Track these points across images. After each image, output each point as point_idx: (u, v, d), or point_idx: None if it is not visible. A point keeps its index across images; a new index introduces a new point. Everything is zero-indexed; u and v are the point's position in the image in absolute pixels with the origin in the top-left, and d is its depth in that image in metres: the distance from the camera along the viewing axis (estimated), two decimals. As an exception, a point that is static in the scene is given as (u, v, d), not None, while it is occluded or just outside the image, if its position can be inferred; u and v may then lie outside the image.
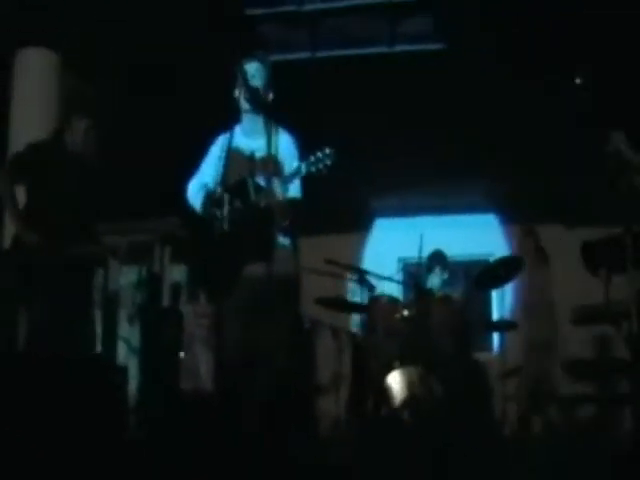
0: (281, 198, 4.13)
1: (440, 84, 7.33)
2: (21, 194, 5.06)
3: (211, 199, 4.32)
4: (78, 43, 6.66)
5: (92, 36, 6.59)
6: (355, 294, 6.86)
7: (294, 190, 4.27)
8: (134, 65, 7.00)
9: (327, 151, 3.99)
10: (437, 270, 6.91)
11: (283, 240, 4.32)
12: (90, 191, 5.17)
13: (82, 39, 6.64)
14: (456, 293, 6.92)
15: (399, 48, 7.27)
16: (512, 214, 9.74)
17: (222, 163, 4.39)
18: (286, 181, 4.14)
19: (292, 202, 4.25)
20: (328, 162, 3.98)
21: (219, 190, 4.31)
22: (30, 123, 6.48)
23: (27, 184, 5.04)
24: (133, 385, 7.22)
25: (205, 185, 4.43)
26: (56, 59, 6.90)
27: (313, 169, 4.00)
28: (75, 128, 5.10)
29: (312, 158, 4.02)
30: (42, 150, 5.15)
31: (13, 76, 6.93)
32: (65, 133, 5.15)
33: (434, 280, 6.91)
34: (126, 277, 8.30)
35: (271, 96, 4.47)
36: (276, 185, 4.13)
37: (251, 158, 4.28)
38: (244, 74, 4.35)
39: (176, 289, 8.31)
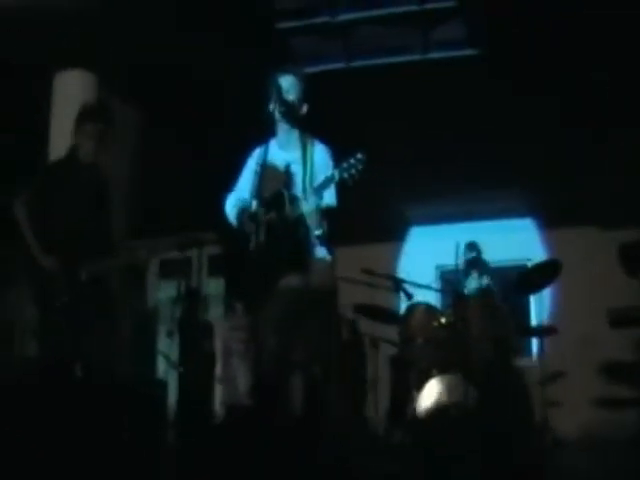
0: (315, 207, 4.12)
1: (474, 90, 7.31)
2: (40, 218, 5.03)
3: (246, 213, 4.33)
4: (115, 64, 6.75)
5: (128, 56, 6.67)
6: (393, 303, 6.88)
7: (329, 198, 4.25)
8: (171, 83, 7.07)
9: (359, 156, 3.98)
10: (475, 276, 6.90)
11: (319, 250, 4.32)
12: (106, 203, 5.18)
13: (118, 60, 6.73)
14: (494, 299, 6.91)
15: (433, 55, 7.26)
16: (548, 218, 9.71)
17: (257, 176, 4.41)
18: (320, 189, 4.12)
19: (327, 210, 4.25)
20: (360, 167, 3.96)
21: (254, 203, 4.34)
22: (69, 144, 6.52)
23: (43, 208, 5.01)
24: (173, 399, 7.29)
25: (242, 199, 4.45)
26: (94, 81, 6.99)
27: (346, 175, 3.99)
28: (85, 136, 5.07)
29: (344, 164, 4.01)
30: (55, 171, 5.18)
31: (52, 99, 7.03)
32: (78, 147, 5.12)
33: (472, 286, 6.90)
34: (165, 292, 8.40)
35: (305, 109, 4.50)
36: (310, 194, 4.13)
37: (286, 170, 4.33)
38: (278, 88, 4.37)
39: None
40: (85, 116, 5.12)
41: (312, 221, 4.17)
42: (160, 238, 5.06)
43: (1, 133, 7.56)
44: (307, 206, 4.11)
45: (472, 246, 7.39)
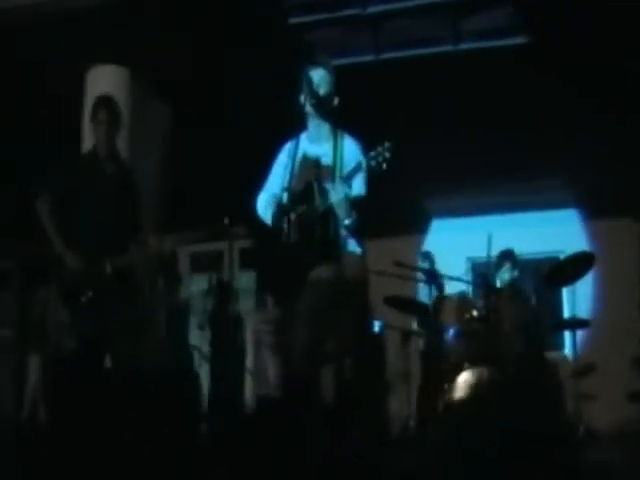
0: (344, 196, 4.08)
1: (507, 81, 7.26)
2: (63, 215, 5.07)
3: (281, 209, 4.33)
4: (146, 60, 6.79)
5: (158, 52, 6.70)
6: (424, 295, 6.86)
7: (358, 188, 4.23)
8: (203, 79, 7.10)
9: (386, 144, 3.98)
10: (506, 268, 6.86)
11: (350, 242, 4.31)
12: (129, 197, 5.18)
13: (149, 56, 6.76)
14: (526, 292, 6.87)
15: (464, 46, 7.20)
16: (582, 210, 9.64)
17: (289, 170, 4.42)
18: (348, 177, 4.11)
19: (356, 200, 4.21)
20: (388, 155, 3.96)
21: (286, 197, 4.35)
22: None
23: (65, 204, 5.05)
24: (205, 391, 7.33)
25: (274, 195, 4.46)
26: (127, 75, 7.03)
27: (373, 163, 3.99)
28: (96, 129, 5.10)
29: (372, 152, 4.01)
30: (77, 167, 5.19)
31: (85, 93, 7.06)
32: (95, 143, 5.17)
33: (504, 278, 6.86)
34: (197, 285, 8.45)
35: (336, 102, 4.49)
36: (339, 183, 4.11)
37: (317, 164, 4.32)
38: (309, 81, 4.36)
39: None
40: (93, 110, 5.17)
41: (341, 211, 4.13)
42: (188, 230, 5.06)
43: (34, 131, 7.67)
44: (336, 195, 4.08)
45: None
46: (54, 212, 5.01)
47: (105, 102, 5.21)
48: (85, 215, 5.01)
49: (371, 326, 7.02)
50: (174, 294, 8.28)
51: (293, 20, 6.64)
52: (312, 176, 4.27)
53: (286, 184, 4.41)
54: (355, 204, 4.19)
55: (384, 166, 3.97)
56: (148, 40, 6.58)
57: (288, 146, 4.58)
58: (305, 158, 4.42)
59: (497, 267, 6.88)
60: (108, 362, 4.96)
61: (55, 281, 5.06)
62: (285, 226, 4.27)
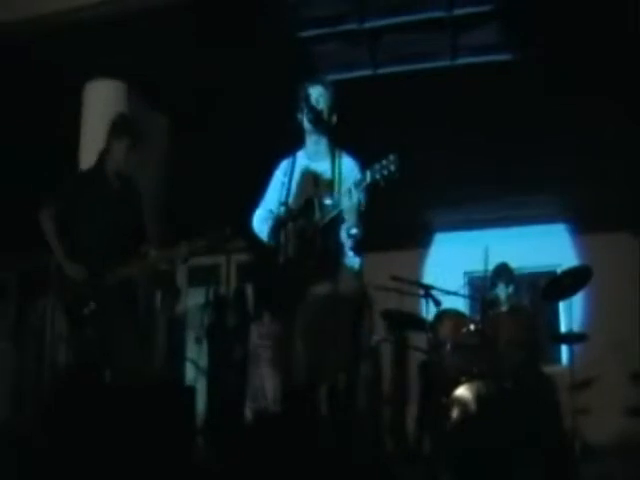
0: (356, 202, 4.06)
1: (503, 95, 7.28)
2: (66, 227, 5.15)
3: (279, 224, 4.33)
4: (144, 74, 6.82)
5: (157, 66, 6.73)
6: (421, 309, 6.86)
7: (357, 203, 4.15)
8: (197, 92, 7.12)
9: (391, 157, 3.91)
10: (502, 283, 6.86)
11: (348, 257, 4.30)
12: (133, 212, 5.26)
13: (147, 70, 6.79)
14: (523, 306, 6.88)
15: (461, 61, 7.22)
16: (579, 223, 9.65)
17: (286, 187, 4.43)
18: (351, 191, 4.06)
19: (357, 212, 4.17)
20: (393, 168, 3.89)
21: (283, 212, 4.35)
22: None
23: (70, 217, 5.12)
24: (201, 405, 7.32)
25: (270, 212, 4.47)
26: (123, 90, 7.05)
27: (378, 176, 3.92)
28: (115, 150, 5.18)
29: (376, 165, 3.95)
30: (82, 180, 5.28)
31: (82, 108, 7.08)
32: (105, 157, 5.24)
33: (500, 293, 6.87)
34: (193, 299, 8.45)
35: (335, 119, 4.51)
36: (350, 191, 4.06)
37: (316, 180, 4.33)
38: (308, 98, 4.38)
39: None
40: (115, 130, 5.24)
41: (351, 218, 4.13)
42: (185, 241, 5.09)
43: (33, 143, 7.69)
44: (348, 201, 4.05)
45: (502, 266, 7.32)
46: (58, 223, 5.06)
47: (128, 124, 5.32)
48: (88, 228, 5.07)
49: (368, 341, 7.03)
50: (172, 307, 8.29)
51: (291, 35, 6.66)
52: (311, 192, 4.27)
53: (284, 199, 4.40)
54: (355, 216, 4.16)
55: (388, 179, 3.92)
56: (146, 54, 6.61)
57: (284, 163, 4.60)
58: (303, 174, 4.43)
59: (492, 282, 6.89)
60: (107, 373, 4.98)
61: (56, 292, 5.09)
62: (283, 241, 4.26)
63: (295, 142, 4.51)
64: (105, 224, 5.06)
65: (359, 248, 4.32)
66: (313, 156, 4.49)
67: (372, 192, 4.09)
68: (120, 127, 5.24)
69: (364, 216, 4.24)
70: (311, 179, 4.35)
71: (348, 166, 4.42)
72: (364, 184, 4.02)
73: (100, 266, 4.96)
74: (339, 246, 4.25)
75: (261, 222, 4.52)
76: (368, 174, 3.98)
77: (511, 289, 6.83)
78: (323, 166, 4.40)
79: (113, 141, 5.19)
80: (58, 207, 5.11)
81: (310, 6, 6.45)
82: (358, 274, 4.38)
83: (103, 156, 5.25)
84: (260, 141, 4.73)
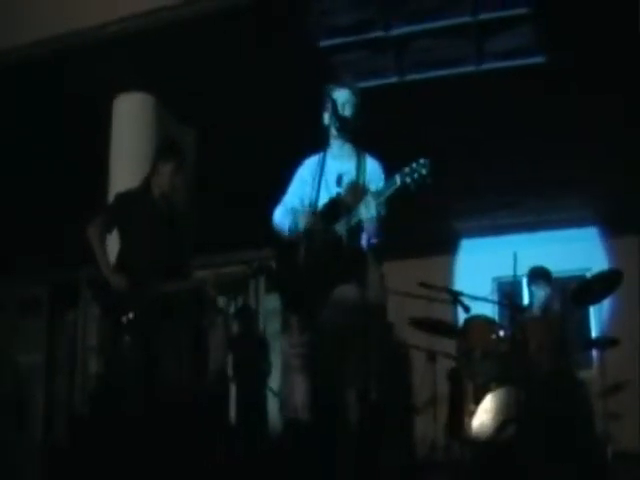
0: (375, 213, 3.99)
1: (530, 100, 7.26)
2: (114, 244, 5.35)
3: (300, 223, 4.32)
4: (174, 88, 6.88)
5: (186, 80, 6.80)
6: (450, 316, 6.85)
7: (376, 213, 4.05)
8: (223, 104, 7.17)
9: (422, 161, 3.84)
10: (539, 286, 6.79)
11: (371, 261, 4.25)
12: (179, 233, 5.39)
13: (177, 84, 6.86)
14: (553, 310, 6.84)
15: (487, 66, 7.21)
16: (609, 227, 9.60)
17: (311, 186, 4.39)
18: (380, 194, 3.99)
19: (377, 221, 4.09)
20: (424, 172, 3.81)
21: (308, 212, 4.32)
22: (129, 168, 6.63)
23: (117, 234, 5.31)
24: (229, 414, 7.37)
25: (293, 208, 4.46)
26: (154, 103, 7.11)
27: (408, 179, 3.83)
28: (161, 173, 5.33)
29: (406, 169, 3.86)
30: (129, 200, 5.36)
31: (112, 121, 7.14)
32: (152, 180, 5.37)
33: (532, 297, 6.82)
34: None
35: (360, 123, 4.51)
36: (371, 200, 3.99)
37: (339, 181, 4.34)
38: (334, 102, 4.35)
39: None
40: (163, 154, 5.43)
41: (371, 227, 4.10)
42: (229, 268, 5.21)
43: (63, 159, 7.79)
44: (368, 212, 3.99)
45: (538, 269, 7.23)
46: (104, 239, 5.24)
47: (175, 149, 5.52)
48: (133, 247, 5.22)
49: (396, 348, 7.02)
50: (208, 323, 8.37)
51: (318, 43, 6.68)
52: (334, 193, 4.29)
53: (308, 200, 4.37)
54: (384, 222, 4.11)
55: (420, 183, 3.83)
56: (173, 67, 6.68)
57: (308, 162, 4.58)
58: (328, 175, 4.38)
59: (530, 283, 6.82)
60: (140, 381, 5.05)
61: (98, 301, 5.21)
62: (308, 243, 4.24)
63: (320, 144, 4.49)
64: (151, 245, 5.18)
65: (380, 255, 4.31)
66: (338, 157, 4.45)
67: (401, 198, 3.97)
68: (167, 152, 5.44)
69: (385, 223, 4.15)
70: (336, 179, 4.36)
71: (372, 167, 4.41)
72: (393, 188, 3.92)
73: (143, 280, 5.06)
74: (362, 251, 4.22)
75: (282, 218, 4.50)
76: (398, 178, 3.89)
77: (547, 292, 6.74)
78: (348, 167, 4.40)
79: (159, 164, 5.36)
80: (105, 223, 5.26)
81: (336, 14, 6.48)
82: (382, 278, 4.36)
83: (149, 178, 5.39)
84: (286, 151, 4.74)
